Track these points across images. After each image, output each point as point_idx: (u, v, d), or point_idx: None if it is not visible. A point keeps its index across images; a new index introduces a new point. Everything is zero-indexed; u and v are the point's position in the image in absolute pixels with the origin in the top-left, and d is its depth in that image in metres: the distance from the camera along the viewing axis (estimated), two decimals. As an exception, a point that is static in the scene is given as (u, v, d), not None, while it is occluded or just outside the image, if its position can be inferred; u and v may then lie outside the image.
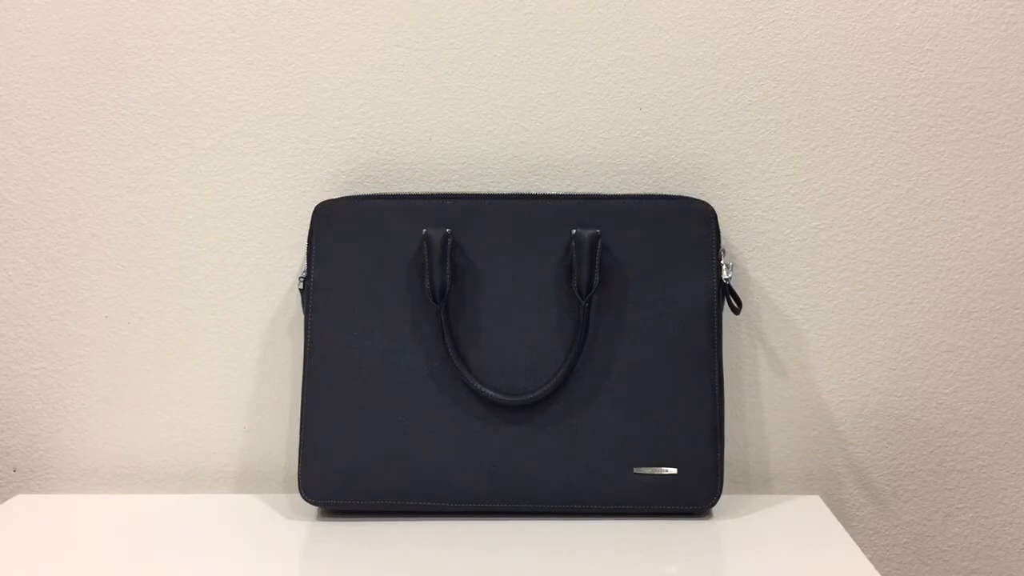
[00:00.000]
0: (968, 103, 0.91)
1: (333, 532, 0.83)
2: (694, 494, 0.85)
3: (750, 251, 0.93)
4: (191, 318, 0.94)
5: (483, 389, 0.84)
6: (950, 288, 0.93)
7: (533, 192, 0.90)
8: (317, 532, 0.83)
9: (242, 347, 0.94)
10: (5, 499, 0.94)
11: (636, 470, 0.84)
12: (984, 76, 0.91)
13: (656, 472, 0.84)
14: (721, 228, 0.88)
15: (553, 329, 0.85)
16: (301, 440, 0.85)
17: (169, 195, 0.93)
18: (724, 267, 0.86)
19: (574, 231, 0.85)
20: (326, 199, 0.88)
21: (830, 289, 0.93)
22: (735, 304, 0.87)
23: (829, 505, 0.92)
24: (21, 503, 0.91)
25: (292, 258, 0.93)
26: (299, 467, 0.85)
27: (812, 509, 0.89)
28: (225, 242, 0.93)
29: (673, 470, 0.84)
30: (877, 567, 0.84)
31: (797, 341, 0.94)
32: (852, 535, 0.87)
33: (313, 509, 0.87)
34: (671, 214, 0.87)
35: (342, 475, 0.84)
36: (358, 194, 0.91)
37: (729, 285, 0.87)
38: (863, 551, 0.80)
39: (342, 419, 0.85)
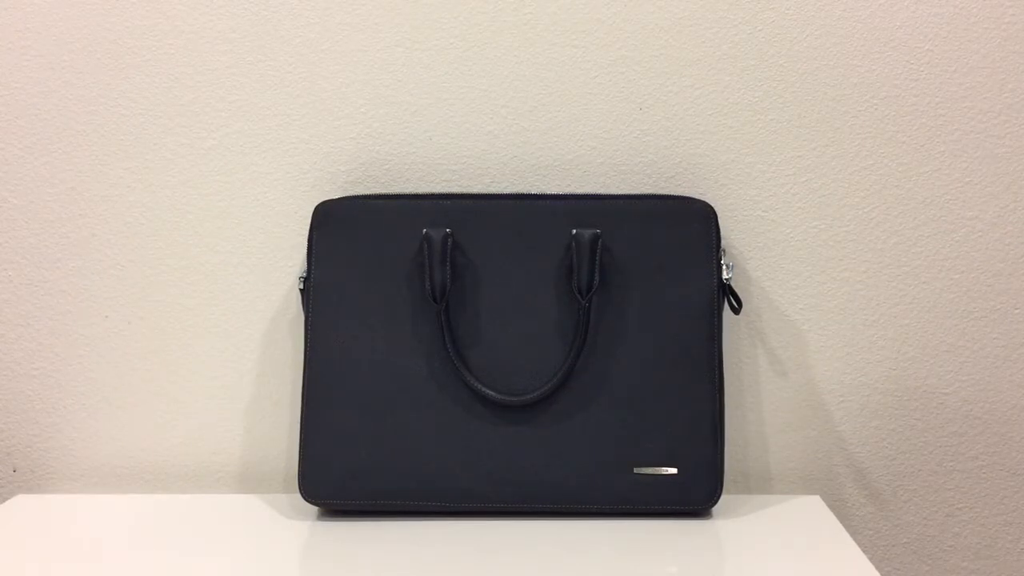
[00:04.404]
0: (968, 103, 0.91)
1: (333, 532, 0.83)
2: (694, 494, 0.85)
3: (750, 251, 0.93)
4: (191, 318, 0.94)
5: (483, 389, 0.84)
6: (950, 288, 0.93)
7: (533, 192, 0.90)
8: (317, 532, 0.84)
9: (242, 347, 0.94)
10: (5, 499, 0.95)
11: (636, 470, 0.84)
12: (984, 76, 0.91)
13: (656, 472, 0.84)
14: (721, 228, 0.88)
15: (553, 329, 0.85)
16: (301, 440, 0.85)
17: (169, 195, 0.93)
18: (724, 267, 0.86)
19: (574, 231, 0.85)
20: (326, 199, 0.88)
21: (830, 289, 0.93)
22: (735, 304, 0.87)
23: (829, 505, 0.92)
24: (21, 503, 0.91)
25: (292, 258, 0.93)
26: (299, 467, 0.85)
27: (812, 509, 0.89)
28: (225, 242, 0.93)
29: (673, 470, 0.84)
30: (877, 567, 0.84)
31: (797, 341, 0.94)
32: (852, 535, 0.87)
33: (313, 509, 0.87)
34: (671, 214, 0.87)
35: (342, 475, 0.84)
36: (358, 194, 0.91)
37: (729, 285, 0.87)
38: (863, 551, 0.80)
39: (342, 419, 0.85)
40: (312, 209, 0.88)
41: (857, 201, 0.92)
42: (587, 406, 0.84)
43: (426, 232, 0.85)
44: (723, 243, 0.89)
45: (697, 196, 0.91)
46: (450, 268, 0.84)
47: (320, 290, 0.86)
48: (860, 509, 0.96)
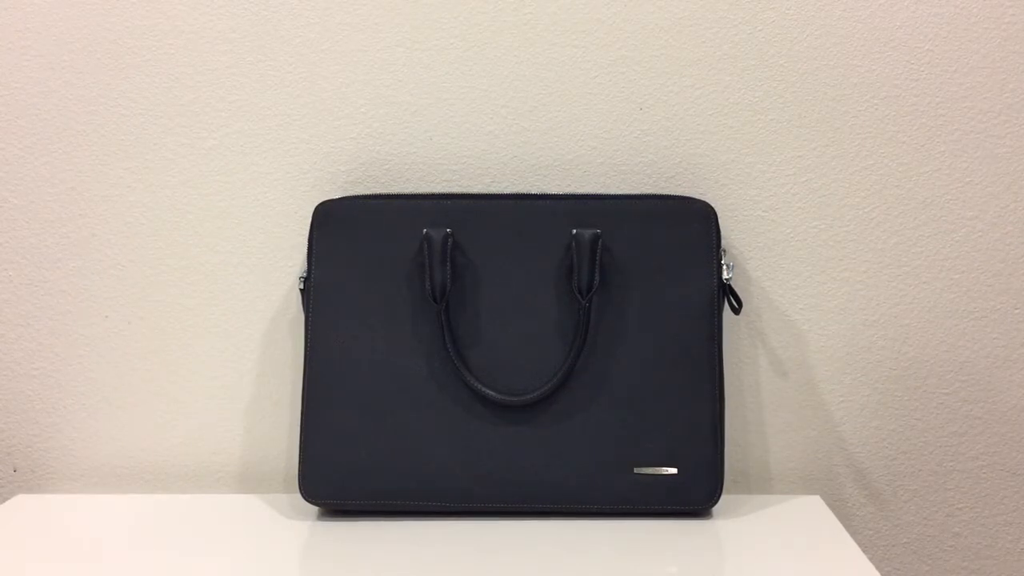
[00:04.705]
0: (968, 103, 0.91)
1: (333, 532, 0.83)
2: (694, 494, 0.85)
3: (750, 251, 0.93)
4: (191, 318, 0.94)
5: (483, 389, 0.84)
6: (950, 288, 0.93)
7: (533, 192, 0.90)
8: (317, 532, 0.83)
9: (242, 347, 0.94)
10: (6, 499, 0.95)
11: (636, 470, 0.84)
12: (984, 76, 0.91)
13: (656, 472, 0.84)
14: (721, 228, 0.88)
15: (553, 329, 0.85)
16: (301, 440, 0.85)
17: (170, 195, 0.93)
18: (724, 267, 0.86)
19: (574, 231, 0.85)
20: (326, 199, 0.88)
21: (830, 289, 0.93)
22: (735, 304, 0.87)
23: (829, 505, 0.92)
24: (21, 503, 0.91)
25: (292, 258, 0.93)
26: (299, 467, 0.85)
27: (812, 509, 0.89)
28: (225, 242, 0.93)
29: (673, 470, 0.84)
30: (877, 567, 0.84)
31: (797, 341, 0.94)
32: (852, 535, 0.87)
33: (313, 509, 0.87)
34: (671, 214, 0.87)
35: (342, 475, 0.84)
36: (358, 194, 0.90)
37: (729, 285, 0.87)
38: (863, 551, 0.79)
39: (342, 419, 0.85)
40: (312, 209, 0.88)
41: (857, 201, 0.92)
42: (587, 406, 0.84)
43: (426, 232, 0.85)
44: (723, 243, 0.89)
45: (697, 196, 0.91)
46: (450, 268, 0.84)
47: (320, 290, 0.86)
48: (860, 509, 0.96)
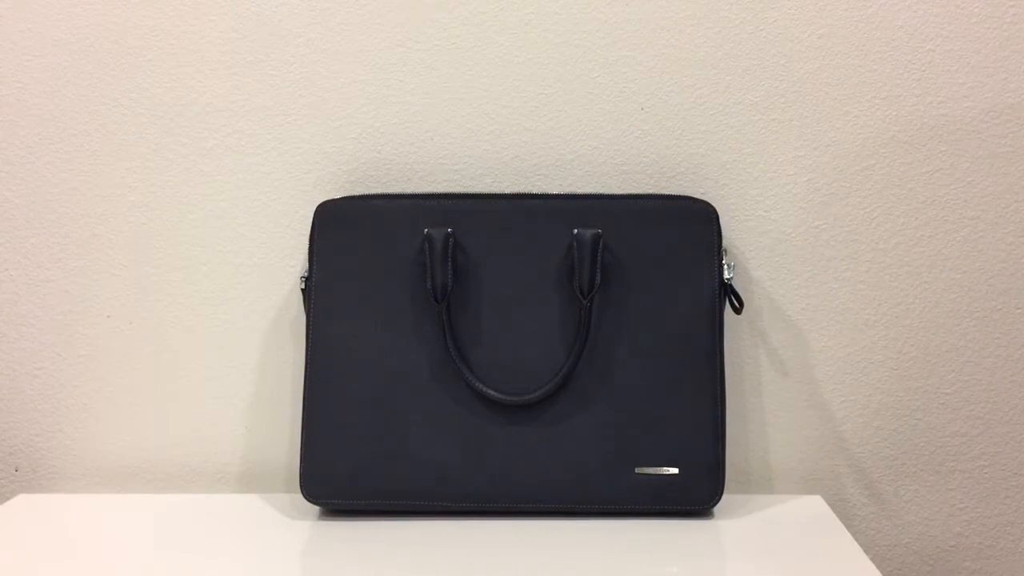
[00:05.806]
0: (970, 103, 0.91)
1: (334, 532, 0.83)
2: (696, 494, 0.85)
3: (752, 251, 0.93)
4: (193, 318, 0.94)
5: (484, 389, 0.84)
6: (952, 288, 0.93)
7: (535, 192, 0.90)
8: (318, 532, 0.83)
9: (244, 347, 0.94)
10: (7, 499, 0.95)
11: (637, 470, 0.84)
12: (985, 76, 0.91)
13: (658, 472, 0.84)
14: (723, 228, 0.88)
15: (555, 329, 0.85)
16: (303, 440, 0.85)
17: (171, 195, 0.93)
18: (726, 267, 0.86)
19: (575, 231, 0.85)
20: (328, 199, 0.89)
21: (832, 289, 0.93)
22: (737, 304, 0.87)
23: (831, 505, 0.92)
24: (23, 503, 0.91)
25: (294, 258, 0.93)
26: (300, 467, 0.85)
27: (814, 509, 0.89)
28: (227, 242, 0.93)
29: (675, 470, 0.84)
30: (879, 567, 0.84)
31: (799, 341, 0.94)
32: (854, 535, 0.87)
33: (314, 509, 0.87)
34: (673, 214, 0.87)
35: (343, 475, 0.84)
36: (360, 194, 0.91)
37: (731, 285, 0.87)
38: (865, 551, 0.79)
39: (344, 419, 0.85)
40: (313, 209, 0.88)
41: (859, 201, 0.92)
42: (588, 406, 0.84)
43: (428, 232, 0.85)
44: (724, 243, 0.89)
45: (699, 196, 0.91)
46: (451, 268, 0.84)
47: (321, 290, 0.86)
48: (862, 509, 0.96)
